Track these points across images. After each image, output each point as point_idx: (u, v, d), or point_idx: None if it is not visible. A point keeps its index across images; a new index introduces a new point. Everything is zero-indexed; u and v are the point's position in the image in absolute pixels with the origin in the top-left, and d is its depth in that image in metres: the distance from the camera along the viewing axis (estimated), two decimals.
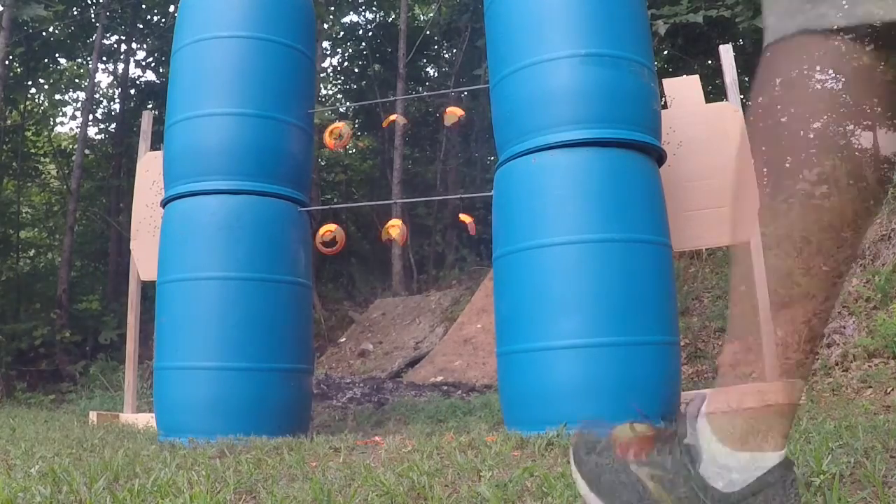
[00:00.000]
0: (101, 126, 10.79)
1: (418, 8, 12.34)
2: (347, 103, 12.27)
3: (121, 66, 10.36)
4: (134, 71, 10.86)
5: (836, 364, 3.20)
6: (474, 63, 9.55)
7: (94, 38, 8.64)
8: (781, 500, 0.82)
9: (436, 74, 12.60)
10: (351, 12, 11.60)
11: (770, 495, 0.82)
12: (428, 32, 11.10)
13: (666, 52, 7.75)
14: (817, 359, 3.36)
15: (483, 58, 6.56)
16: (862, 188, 0.90)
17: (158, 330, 2.67)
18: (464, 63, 10.35)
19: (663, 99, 2.93)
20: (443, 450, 1.84)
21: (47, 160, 10.31)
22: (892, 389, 2.74)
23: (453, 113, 2.98)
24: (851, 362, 3.15)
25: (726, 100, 3.01)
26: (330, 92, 13.14)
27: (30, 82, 9.32)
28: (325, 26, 10.23)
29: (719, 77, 3.29)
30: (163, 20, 9.88)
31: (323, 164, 10.81)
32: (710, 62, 8.03)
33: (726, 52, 3.07)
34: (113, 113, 10.73)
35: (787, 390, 0.87)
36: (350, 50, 12.64)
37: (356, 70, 12.54)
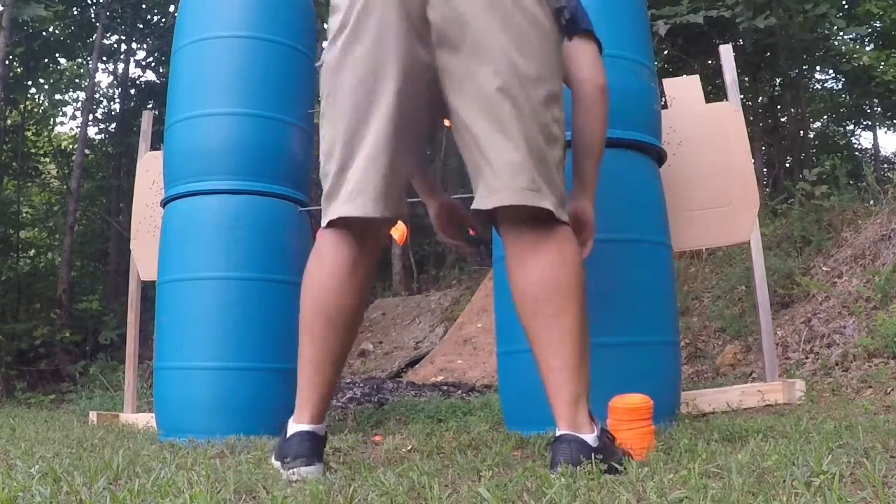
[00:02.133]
0: (101, 126, 10.79)
1: None
2: None
3: (121, 66, 10.36)
4: (134, 71, 10.85)
5: (836, 364, 3.20)
6: None
7: (94, 38, 8.64)
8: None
9: None
10: None
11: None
12: None
13: (666, 52, 7.76)
14: (817, 359, 3.36)
15: None
16: None
17: (158, 330, 2.67)
18: None
19: (663, 99, 2.93)
20: (443, 450, 1.84)
21: (47, 160, 10.31)
22: (892, 389, 2.74)
23: None
24: (851, 362, 3.14)
25: (726, 100, 3.01)
26: None
27: (30, 82, 9.32)
28: (326, 26, 10.23)
29: (719, 77, 3.29)
30: (163, 20, 9.88)
31: None
32: (710, 62, 8.03)
33: (726, 52, 3.07)
34: (113, 113, 10.74)
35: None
36: None
37: None
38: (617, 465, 1.34)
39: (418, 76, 1.42)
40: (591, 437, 1.36)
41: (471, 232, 2.61)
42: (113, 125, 10.52)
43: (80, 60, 10.19)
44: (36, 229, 10.28)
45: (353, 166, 1.42)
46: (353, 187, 1.42)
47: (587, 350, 1.45)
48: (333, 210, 1.45)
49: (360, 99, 1.41)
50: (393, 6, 1.39)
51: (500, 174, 1.40)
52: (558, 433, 1.38)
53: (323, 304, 1.48)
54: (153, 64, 10.20)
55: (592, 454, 1.33)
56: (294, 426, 1.51)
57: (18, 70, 8.89)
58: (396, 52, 1.40)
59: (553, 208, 1.42)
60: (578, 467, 1.28)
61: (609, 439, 1.44)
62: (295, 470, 1.42)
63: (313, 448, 1.48)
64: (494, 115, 1.39)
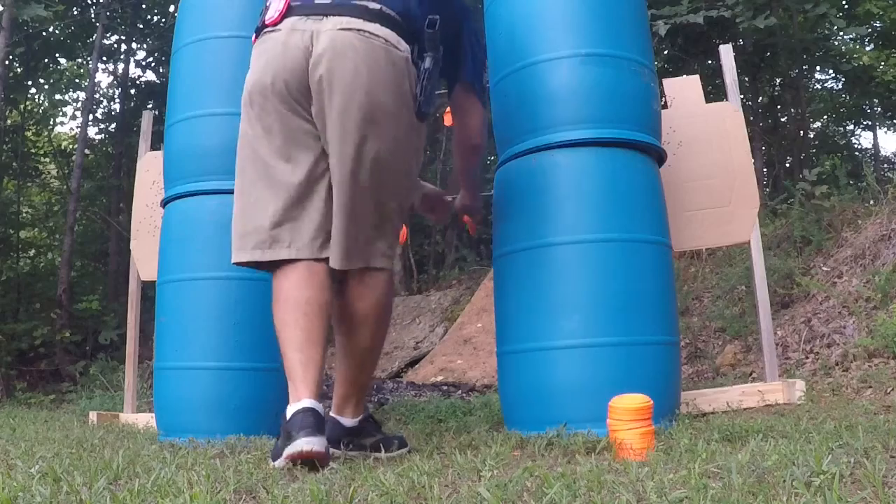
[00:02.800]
0: (101, 126, 10.77)
1: None
2: None
3: (121, 66, 10.35)
4: (134, 71, 10.82)
5: (836, 364, 3.20)
6: None
7: (94, 38, 8.63)
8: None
9: None
10: None
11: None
12: None
13: (666, 52, 7.75)
14: (817, 359, 3.36)
15: None
16: None
17: (158, 330, 2.67)
18: None
19: (663, 99, 2.93)
20: (443, 450, 1.84)
21: (47, 160, 10.29)
22: (892, 389, 2.74)
23: None
24: (851, 362, 3.14)
25: (726, 100, 3.01)
26: None
27: (30, 82, 9.31)
28: None
29: (719, 77, 3.29)
30: (163, 20, 9.87)
31: None
32: (710, 62, 8.02)
33: (726, 52, 3.07)
34: (113, 113, 10.71)
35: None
36: None
37: None
38: (369, 444, 1.83)
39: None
40: (348, 421, 1.86)
41: (470, 231, 2.63)
42: (113, 125, 10.50)
43: (80, 60, 10.18)
44: (36, 229, 10.26)
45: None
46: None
47: (372, 365, 1.92)
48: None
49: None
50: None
51: (344, 243, 1.75)
52: (329, 414, 1.86)
53: (293, 303, 1.71)
54: (153, 64, 10.19)
55: (344, 432, 1.84)
56: (293, 406, 1.59)
57: (18, 70, 8.88)
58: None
59: (371, 264, 1.79)
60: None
61: (369, 425, 1.90)
62: (301, 442, 1.49)
63: (317, 422, 1.56)
64: (337, 195, 1.73)
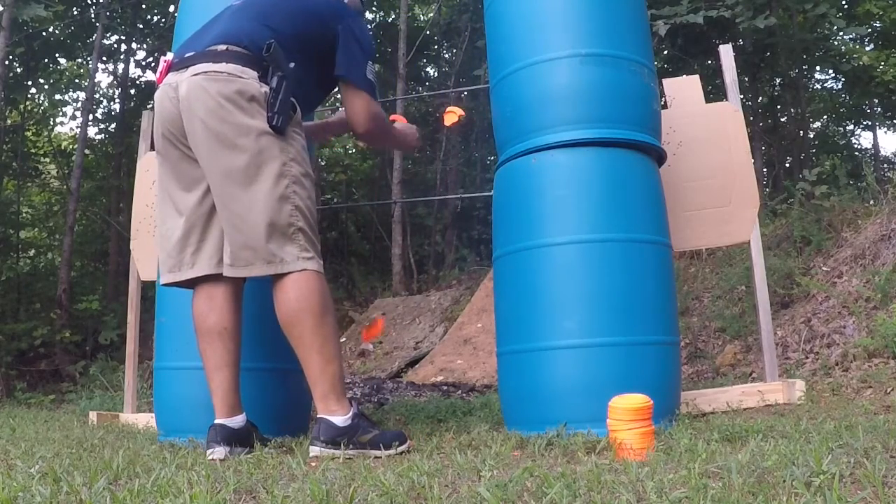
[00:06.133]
0: (101, 126, 10.77)
1: (418, 8, 12.34)
2: None
3: (121, 66, 10.35)
4: (134, 71, 10.82)
5: (836, 364, 3.20)
6: (474, 63, 9.55)
7: (94, 38, 8.63)
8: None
9: (436, 74, 12.59)
10: None
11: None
12: (428, 32, 11.10)
13: (666, 52, 7.76)
14: (817, 359, 3.36)
15: (483, 58, 6.57)
16: None
17: (158, 330, 2.67)
18: (464, 63, 10.34)
19: (663, 99, 2.93)
20: (443, 450, 1.84)
21: (47, 160, 10.29)
22: (892, 389, 2.74)
23: (453, 113, 2.98)
24: (851, 362, 3.14)
25: (726, 100, 3.01)
26: None
27: (30, 82, 9.31)
28: None
29: (719, 77, 3.29)
30: (163, 20, 9.87)
31: (323, 164, 10.80)
32: (710, 62, 8.03)
33: (726, 52, 3.07)
34: (113, 113, 10.71)
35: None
36: None
37: None
38: (367, 440, 1.88)
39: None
40: (340, 419, 1.90)
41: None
42: (113, 125, 10.50)
43: (80, 60, 10.18)
44: (36, 229, 10.26)
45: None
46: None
47: (329, 356, 1.95)
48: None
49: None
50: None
51: (229, 254, 2.00)
52: (317, 416, 1.94)
53: (200, 332, 2.09)
54: (153, 64, 10.19)
55: (339, 432, 1.88)
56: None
57: (18, 70, 8.88)
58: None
59: (272, 271, 1.96)
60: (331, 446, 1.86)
61: (362, 421, 1.94)
62: (209, 451, 1.93)
63: (218, 434, 1.99)
64: (217, 209, 2.01)
